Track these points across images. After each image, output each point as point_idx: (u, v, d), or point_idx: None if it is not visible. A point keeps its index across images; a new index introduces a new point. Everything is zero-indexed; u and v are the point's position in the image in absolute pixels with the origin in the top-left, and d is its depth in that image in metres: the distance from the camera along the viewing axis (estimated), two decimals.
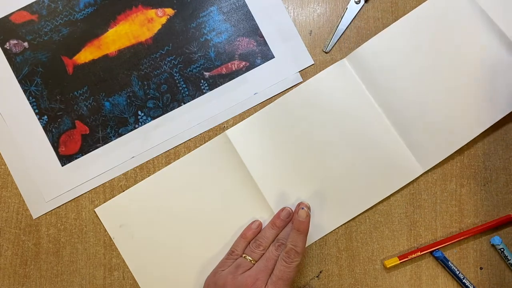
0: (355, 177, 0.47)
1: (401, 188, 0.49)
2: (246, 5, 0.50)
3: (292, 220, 0.44)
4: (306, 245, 0.46)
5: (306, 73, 0.50)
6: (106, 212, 0.48)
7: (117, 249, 0.48)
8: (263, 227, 0.46)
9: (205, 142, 0.49)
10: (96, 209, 0.48)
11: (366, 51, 0.48)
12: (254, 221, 0.46)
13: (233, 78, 0.50)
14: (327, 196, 0.47)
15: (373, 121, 0.48)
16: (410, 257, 0.47)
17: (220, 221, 0.47)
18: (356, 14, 0.50)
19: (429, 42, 0.47)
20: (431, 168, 0.49)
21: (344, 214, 0.47)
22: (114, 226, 0.48)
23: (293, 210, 0.45)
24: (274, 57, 0.50)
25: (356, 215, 0.47)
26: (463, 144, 0.47)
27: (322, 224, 0.47)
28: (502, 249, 0.47)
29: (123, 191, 0.48)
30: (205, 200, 0.47)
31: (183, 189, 0.48)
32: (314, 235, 0.47)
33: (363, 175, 0.47)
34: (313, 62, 0.50)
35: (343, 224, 0.49)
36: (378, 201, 0.48)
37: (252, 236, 0.45)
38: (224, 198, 0.47)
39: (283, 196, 0.47)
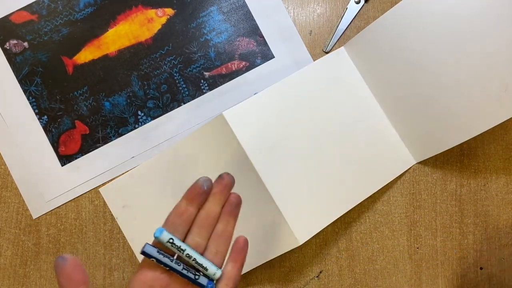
0: (349, 165, 0.47)
1: (401, 188, 0.49)
2: (246, 5, 0.50)
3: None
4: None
5: None
6: (110, 192, 0.49)
7: (117, 249, 0.48)
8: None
9: None
10: (100, 189, 0.49)
11: (364, 38, 0.47)
12: None
13: (233, 78, 0.50)
14: (322, 186, 0.47)
15: (368, 109, 0.48)
16: None
17: None
18: (356, 14, 0.50)
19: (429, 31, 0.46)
20: (431, 168, 0.49)
21: (340, 204, 0.47)
22: (118, 206, 0.49)
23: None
24: (274, 57, 0.50)
25: (352, 206, 0.47)
26: (459, 143, 0.45)
27: (318, 216, 0.47)
28: (171, 240, 0.32)
29: None
30: None
31: (182, 172, 0.48)
32: (312, 229, 0.46)
33: (356, 163, 0.47)
34: (313, 62, 0.50)
35: (343, 224, 0.49)
36: (373, 192, 0.47)
37: None
38: None
39: (280, 179, 0.46)
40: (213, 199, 0.34)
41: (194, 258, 0.32)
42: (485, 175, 0.49)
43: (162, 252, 0.32)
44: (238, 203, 0.35)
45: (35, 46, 0.49)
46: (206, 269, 0.32)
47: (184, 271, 0.32)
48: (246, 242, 0.35)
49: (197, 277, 0.32)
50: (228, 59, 0.50)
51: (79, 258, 0.29)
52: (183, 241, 0.33)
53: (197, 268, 0.32)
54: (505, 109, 0.43)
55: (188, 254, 0.32)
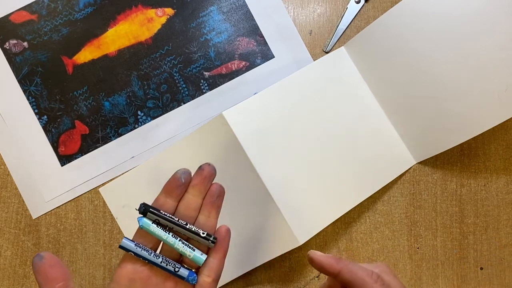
0: (349, 165, 0.47)
1: (401, 188, 0.49)
2: (246, 5, 0.50)
3: None
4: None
5: None
6: (110, 192, 0.49)
7: (117, 249, 0.48)
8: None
9: None
10: (100, 189, 0.48)
11: (365, 38, 0.47)
12: None
13: (233, 78, 0.50)
14: (322, 186, 0.47)
15: (368, 109, 0.48)
16: None
17: None
18: (356, 14, 0.50)
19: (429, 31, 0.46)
20: (431, 168, 0.49)
21: (340, 204, 0.47)
22: (118, 206, 0.49)
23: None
24: (274, 57, 0.50)
25: (353, 206, 0.47)
26: (459, 143, 0.45)
27: (318, 217, 0.47)
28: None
29: None
30: None
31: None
32: (312, 229, 0.46)
33: (356, 163, 0.47)
34: (313, 62, 0.50)
35: (343, 224, 0.49)
36: (373, 192, 0.47)
37: None
38: (222, 180, 0.47)
39: (280, 179, 0.46)
40: (193, 190, 0.33)
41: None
42: (485, 175, 0.49)
43: (139, 245, 0.32)
44: (220, 193, 0.34)
45: (35, 46, 0.49)
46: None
47: (163, 264, 0.32)
48: (228, 231, 0.34)
49: (177, 269, 0.32)
50: (228, 59, 0.50)
51: (57, 256, 0.29)
52: None
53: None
54: (505, 109, 0.43)
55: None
